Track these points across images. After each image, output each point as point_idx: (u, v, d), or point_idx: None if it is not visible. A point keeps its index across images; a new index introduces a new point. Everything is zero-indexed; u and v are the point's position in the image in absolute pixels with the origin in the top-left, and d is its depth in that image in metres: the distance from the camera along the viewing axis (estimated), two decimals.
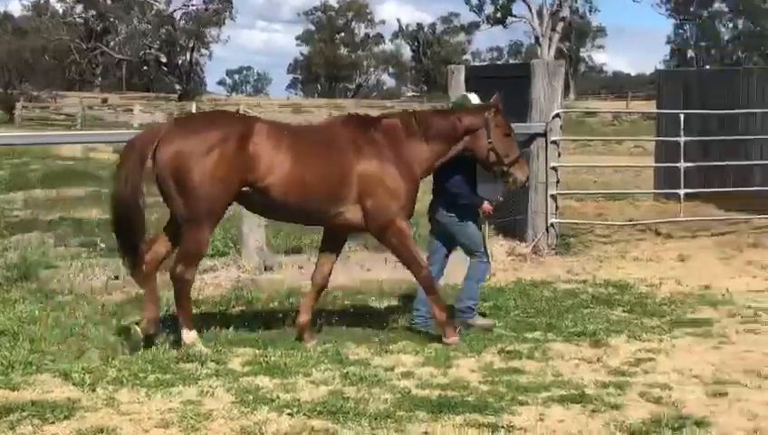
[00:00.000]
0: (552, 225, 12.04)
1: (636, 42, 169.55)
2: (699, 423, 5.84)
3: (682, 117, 13.15)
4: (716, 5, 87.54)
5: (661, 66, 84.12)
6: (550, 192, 12.00)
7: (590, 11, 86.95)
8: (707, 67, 70.20)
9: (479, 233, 8.43)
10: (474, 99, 8.37)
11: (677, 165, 13.10)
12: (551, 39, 66.05)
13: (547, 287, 10.04)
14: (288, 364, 6.95)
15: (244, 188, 7.29)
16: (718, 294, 9.63)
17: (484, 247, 8.45)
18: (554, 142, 12.03)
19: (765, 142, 14.22)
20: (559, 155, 12.25)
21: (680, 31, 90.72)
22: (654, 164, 16.77)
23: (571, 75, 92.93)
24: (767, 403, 6.25)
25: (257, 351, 7.35)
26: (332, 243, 7.98)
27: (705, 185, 14.38)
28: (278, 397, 6.23)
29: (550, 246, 11.96)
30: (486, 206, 8.19)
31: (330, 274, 7.95)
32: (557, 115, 12.03)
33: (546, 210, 11.97)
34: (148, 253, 7.44)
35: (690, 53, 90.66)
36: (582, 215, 14.77)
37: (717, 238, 12.93)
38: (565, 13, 67.88)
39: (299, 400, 6.18)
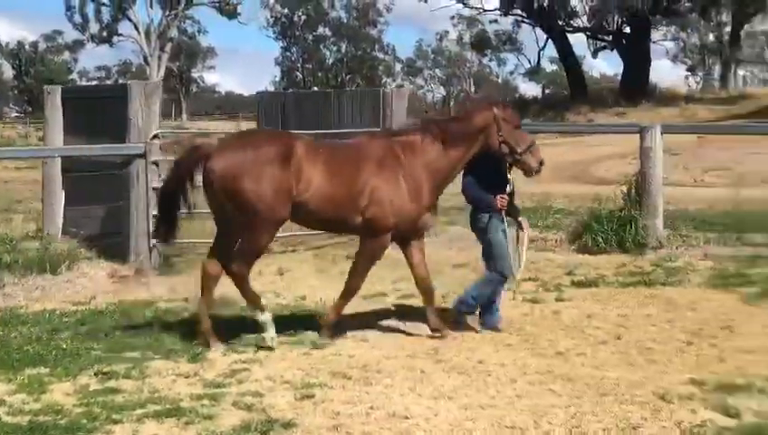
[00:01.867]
0: (155, 245, 12.10)
1: (247, 63, 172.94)
2: (286, 425, 6.22)
3: None
4: (320, 30, 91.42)
5: (272, 87, 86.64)
6: (152, 213, 12.05)
7: (199, 32, 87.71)
8: (314, 89, 73.06)
9: (502, 245, 8.62)
10: None
11: None
12: (160, 59, 65.97)
13: (149, 307, 10.09)
14: None
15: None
16: (313, 304, 10.17)
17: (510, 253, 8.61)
18: (154, 163, 12.11)
19: None
20: (159, 176, 12.32)
21: (288, 53, 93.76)
22: None
23: (183, 95, 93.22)
24: (349, 402, 6.72)
25: None
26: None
27: None
28: None
29: (153, 266, 12.03)
30: (496, 202, 8.42)
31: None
32: (156, 136, 12.12)
33: (149, 231, 12.01)
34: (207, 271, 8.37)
35: (298, 75, 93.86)
36: (187, 234, 14.89)
37: (315, 251, 13.57)
38: (173, 33, 68.07)
39: None
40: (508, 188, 8.51)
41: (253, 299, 8.41)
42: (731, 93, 45.73)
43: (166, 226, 8.58)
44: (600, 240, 12.73)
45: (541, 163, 8.60)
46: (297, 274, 12.10)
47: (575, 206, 16.17)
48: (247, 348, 8.25)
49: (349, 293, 8.62)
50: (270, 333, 8.26)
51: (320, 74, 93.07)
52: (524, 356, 7.93)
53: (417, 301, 10.08)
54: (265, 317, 8.32)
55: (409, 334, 8.71)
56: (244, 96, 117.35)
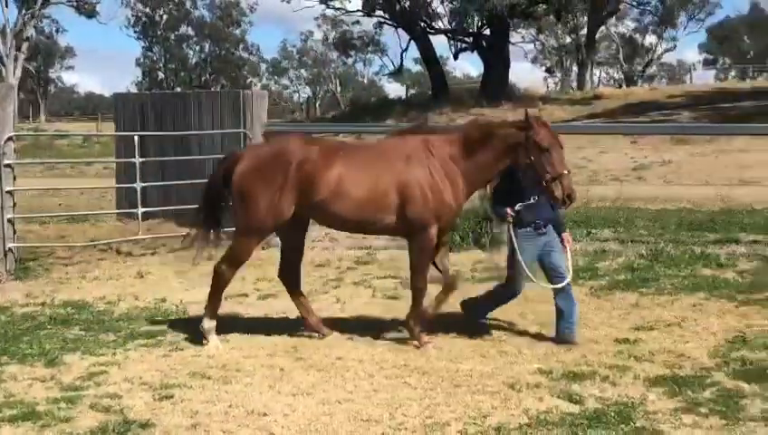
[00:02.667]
0: (10, 250, 11.88)
1: (108, 63, 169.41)
2: (144, 425, 6.28)
3: (137, 138, 13.60)
4: (183, 29, 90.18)
5: (134, 87, 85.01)
6: (6, 217, 11.84)
7: (57, 31, 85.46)
8: (176, 90, 72.10)
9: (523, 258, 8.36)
10: None
11: (135, 185, 13.57)
12: (16, 59, 64.03)
13: (4, 312, 9.92)
14: None
15: (307, 203, 8.08)
16: (173, 307, 10.16)
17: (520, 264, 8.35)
18: (9, 166, 11.88)
19: (216, 160, 15.00)
20: (15, 178, 12.12)
21: (149, 53, 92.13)
22: (115, 185, 16.90)
23: (40, 96, 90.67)
24: (208, 401, 6.81)
25: None
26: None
27: (165, 203, 14.75)
28: None
29: (8, 271, 11.80)
30: (507, 214, 8.23)
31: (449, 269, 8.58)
32: (10, 138, 11.89)
33: (3, 235, 11.78)
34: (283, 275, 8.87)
35: (161, 75, 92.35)
36: (44, 238, 14.70)
37: (176, 254, 13.49)
38: (30, 32, 66.16)
39: None
40: (518, 206, 8.24)
41: (213, 305, 8.56)
42: (585, 94, 47.15)
43: (210, 221, 8.73)
44: (458, 238, 13.10)
45: (568, 196, 7.94)
46: (157, 276, 12.04)
47: None
48: (106, 351, 8.21)
49: (417, 294, 8.36)
50: (212, 342, 8.41)
51: (182, 74, 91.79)
52: (382, 351, 8.12)
53: (276, 301, 10.24)
54: (210, 326, 8.48)
55: (269, 334, 8.79)
56: (105, 96, 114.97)
